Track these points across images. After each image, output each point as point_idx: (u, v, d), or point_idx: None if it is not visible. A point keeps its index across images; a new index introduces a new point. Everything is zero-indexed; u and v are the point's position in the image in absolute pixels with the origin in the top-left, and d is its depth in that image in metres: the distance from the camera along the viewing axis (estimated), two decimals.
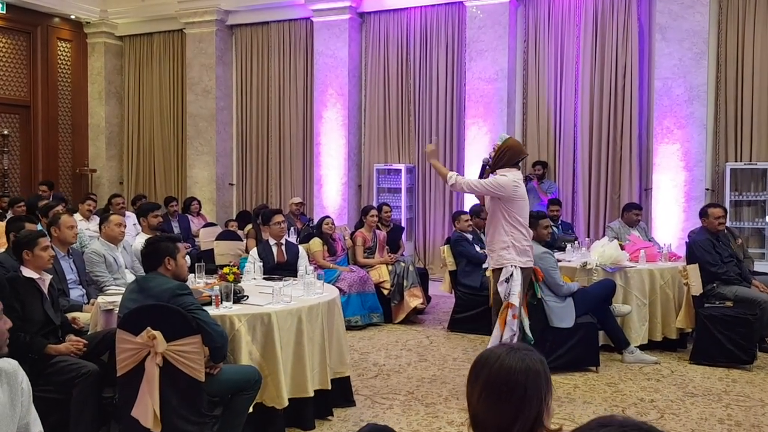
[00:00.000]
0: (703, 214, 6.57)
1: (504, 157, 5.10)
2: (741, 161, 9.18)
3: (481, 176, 5.23)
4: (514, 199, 5.03)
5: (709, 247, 6.33)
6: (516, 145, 5.26)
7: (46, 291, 4.30)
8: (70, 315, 4.73)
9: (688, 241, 6.76)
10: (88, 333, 4.64)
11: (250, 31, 12.55)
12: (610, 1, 9.83)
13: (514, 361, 1.72)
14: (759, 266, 8.04)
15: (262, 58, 12.46)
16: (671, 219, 9.21)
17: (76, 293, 5.43)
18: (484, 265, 7.07)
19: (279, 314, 4.39)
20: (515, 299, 4.96)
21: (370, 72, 11.55)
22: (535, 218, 6.06)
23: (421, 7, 11.04)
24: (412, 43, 11.17)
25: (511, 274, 4.98)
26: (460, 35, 10.75)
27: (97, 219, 7.92)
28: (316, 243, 7.82)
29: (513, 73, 10.37)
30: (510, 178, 5.02)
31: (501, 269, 5.04)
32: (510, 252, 5.01)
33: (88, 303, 5.33)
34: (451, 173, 5.19)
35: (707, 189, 9.28)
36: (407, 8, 11.14)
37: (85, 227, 8.17)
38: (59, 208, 7.13)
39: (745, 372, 5.88)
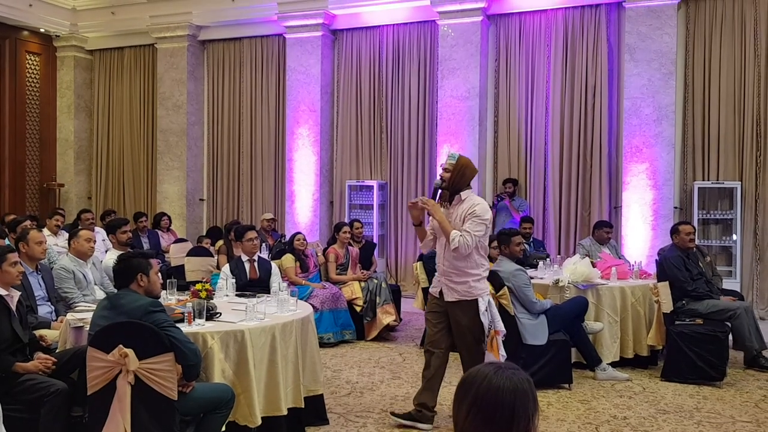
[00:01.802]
0: (674, 231, 6.66)
1: (464, 176, 4.80)
2: (708, 180, 9.33)
3: (434, 200, 4.88)
4: (489, 227, 4.85)
5: (680, 264, 6.41)
6: (470, 162, 4.89)
7: (14, 308, 4.21)
8: (37, 332, 4.64)
9: (658, 258, 6.84)
10: (57, 350, 4.54)
11: (222, 47, 12.51)
12: (580, 21, 9.97)
13: (501, 381, 1.71)
14: (727, 284, 8.17)
15: (234, 74, 12.42)
16: (640, 237, 9.32)
17: (44, 310, 5.32)
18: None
19: (252, 331, 4.34)
20: (501, 325, 4.86)
21: (342, 89, 11.57)
22: (507, 235, 6.13)
23: (393, 25, 11.10)
24: (384, 60, 11.21)
25: (489, 302, 4.84)
26: (433, 53, 10.82)
27: (65, 234, 7.81)
28: (288, 259, 7.79)
29: (484, 91, 10.45)
30: (485, 203, 4.83)
31: (472, 300, 4.78)
32: (482, 282, 4.83)
33: (56, 320, 5.23)
34: (453, 233, 4.65)
35: (676, 207, 9.41)
36: (380, 26, 11.19)
37: (53, 243, 8.04)
38: (27, 223, 7.01)
39: (716, 389, 5.94)
